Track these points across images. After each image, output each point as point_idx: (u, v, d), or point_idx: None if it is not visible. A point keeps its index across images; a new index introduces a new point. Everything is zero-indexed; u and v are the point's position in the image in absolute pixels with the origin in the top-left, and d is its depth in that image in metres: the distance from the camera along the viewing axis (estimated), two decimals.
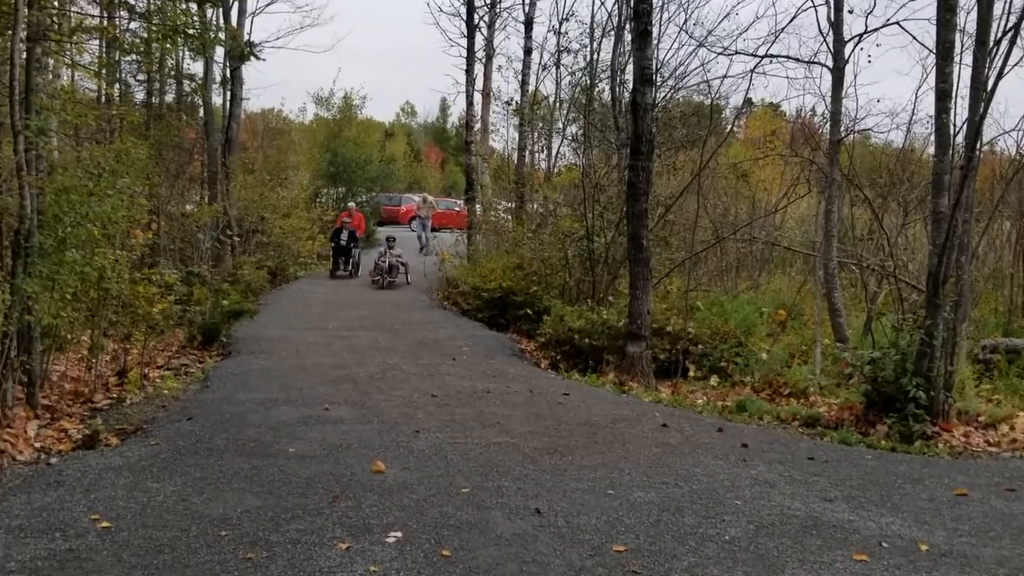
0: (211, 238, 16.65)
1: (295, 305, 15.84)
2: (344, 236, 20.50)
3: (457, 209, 35.69)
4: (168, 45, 11.03)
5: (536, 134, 22.86)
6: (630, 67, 13.87)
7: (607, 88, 18.81)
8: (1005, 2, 13.19)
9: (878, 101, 56.85)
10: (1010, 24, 8.91)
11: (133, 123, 12.76)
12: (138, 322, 9.14)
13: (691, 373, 11.07)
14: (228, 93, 19.46)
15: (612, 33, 18.52)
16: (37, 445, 6.26)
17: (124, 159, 8.56)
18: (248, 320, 12.54)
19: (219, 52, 17.69)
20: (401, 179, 39.84)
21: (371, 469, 5.74)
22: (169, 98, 18.49)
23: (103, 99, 14.86)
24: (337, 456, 6.08)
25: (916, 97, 41.32)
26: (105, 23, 10.75)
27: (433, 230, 27.13)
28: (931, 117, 8.75)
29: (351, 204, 24.47)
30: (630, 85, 12.12)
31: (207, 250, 16.46)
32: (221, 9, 17.74)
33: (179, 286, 10.56)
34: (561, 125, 22.49)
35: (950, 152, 8.30)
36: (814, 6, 12.83)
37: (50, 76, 9.30)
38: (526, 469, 5.89)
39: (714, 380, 10.69)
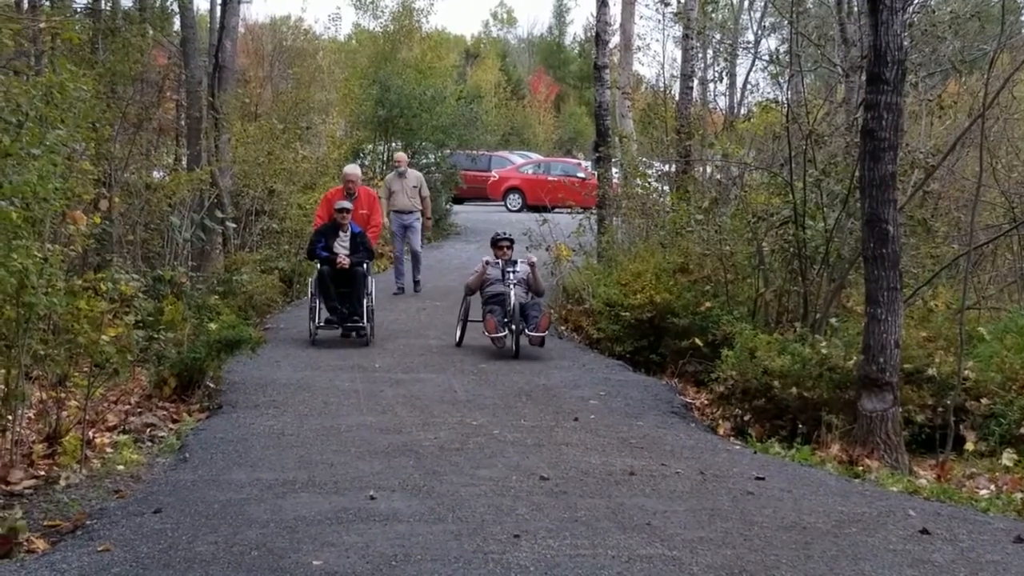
0: (192, 224, 16.97)
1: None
2: (342, 244, 15.76)
3: (581, 176, 35.79)
4: None
5: (711, 53, 22.74)
6: None
7: None
8: None
9: None
10: None
11: (71, 42, 13.04)
12: (79, 357, 9.35)
13: (969, 445, 10.86)
14: None
15: None
16: None
17: (58, 99, 8.78)
18: (249, 355, 12.70)
19: None
20: (492, 127, 39.96)
21: None
22: (127, 2, 18.88)
23: (24, 5, 15.27)
24: (389, 574, 6.13)
25: None
26: None
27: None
28: None
29: (351, 168, 18.21)
30: None
31: (185, 243, 16.78)
32: None
33: (142, 300, 10.77)
34: (752, 38, 22.33)
35: None
36: None
37: None
38: None
39: (1009, 457, 10.44)
